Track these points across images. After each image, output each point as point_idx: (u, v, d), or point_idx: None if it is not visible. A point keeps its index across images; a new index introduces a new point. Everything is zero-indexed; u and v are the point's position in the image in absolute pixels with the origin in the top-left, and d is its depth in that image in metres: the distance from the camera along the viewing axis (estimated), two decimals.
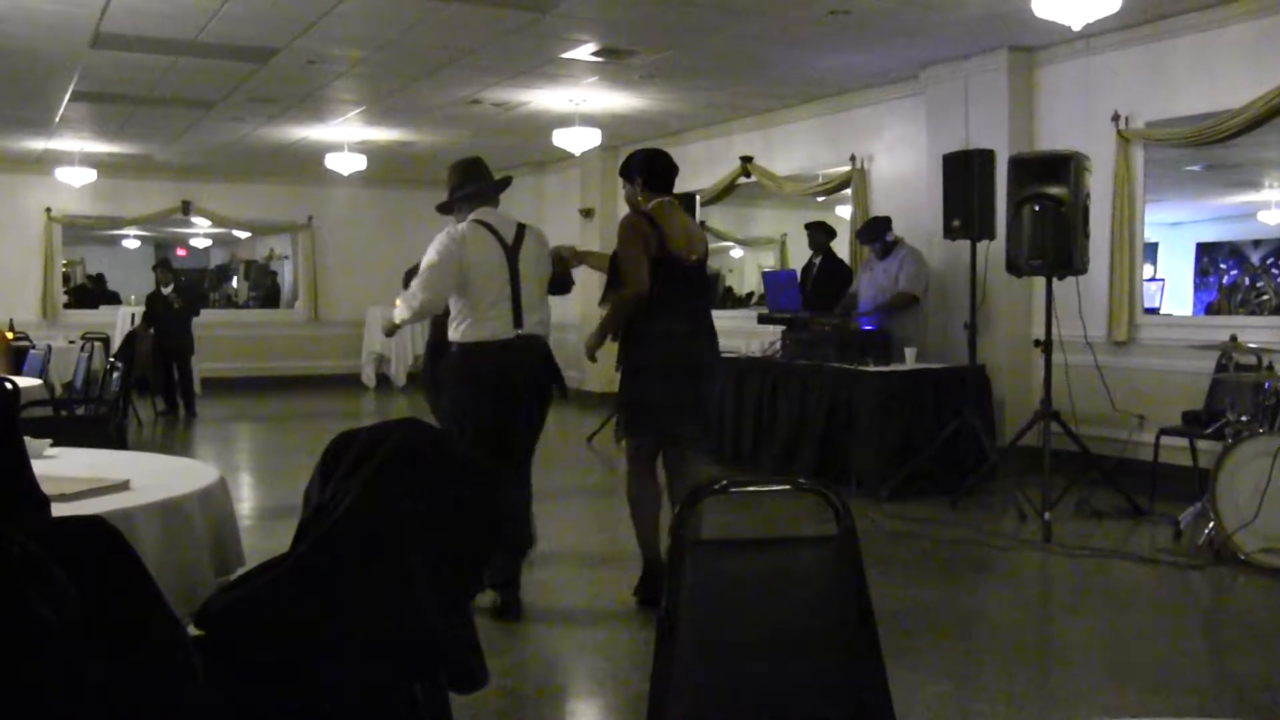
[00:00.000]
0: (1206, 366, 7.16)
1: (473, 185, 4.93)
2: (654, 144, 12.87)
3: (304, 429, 10.92)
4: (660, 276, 4.82)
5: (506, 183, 5.14)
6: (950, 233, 7.66)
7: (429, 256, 4.81)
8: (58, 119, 11.55)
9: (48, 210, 15.32)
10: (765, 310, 9.62)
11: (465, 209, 4.93)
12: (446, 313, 5.02)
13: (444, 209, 5.10)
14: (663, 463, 5.09)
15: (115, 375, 7.17)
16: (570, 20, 7.82)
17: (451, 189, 4.98)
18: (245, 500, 7.82)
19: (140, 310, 13.68)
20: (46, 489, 2.96)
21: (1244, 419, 6.05)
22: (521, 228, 4.93)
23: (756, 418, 8.54)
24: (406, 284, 5.19)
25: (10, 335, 11.82)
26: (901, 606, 5.12)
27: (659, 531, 4.92)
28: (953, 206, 7.63)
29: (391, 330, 5.23)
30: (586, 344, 5.17)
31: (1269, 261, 17.25)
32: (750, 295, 16.45)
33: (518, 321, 4.81)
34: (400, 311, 4.96)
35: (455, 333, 4.87)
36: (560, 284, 5.20)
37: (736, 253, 18.32)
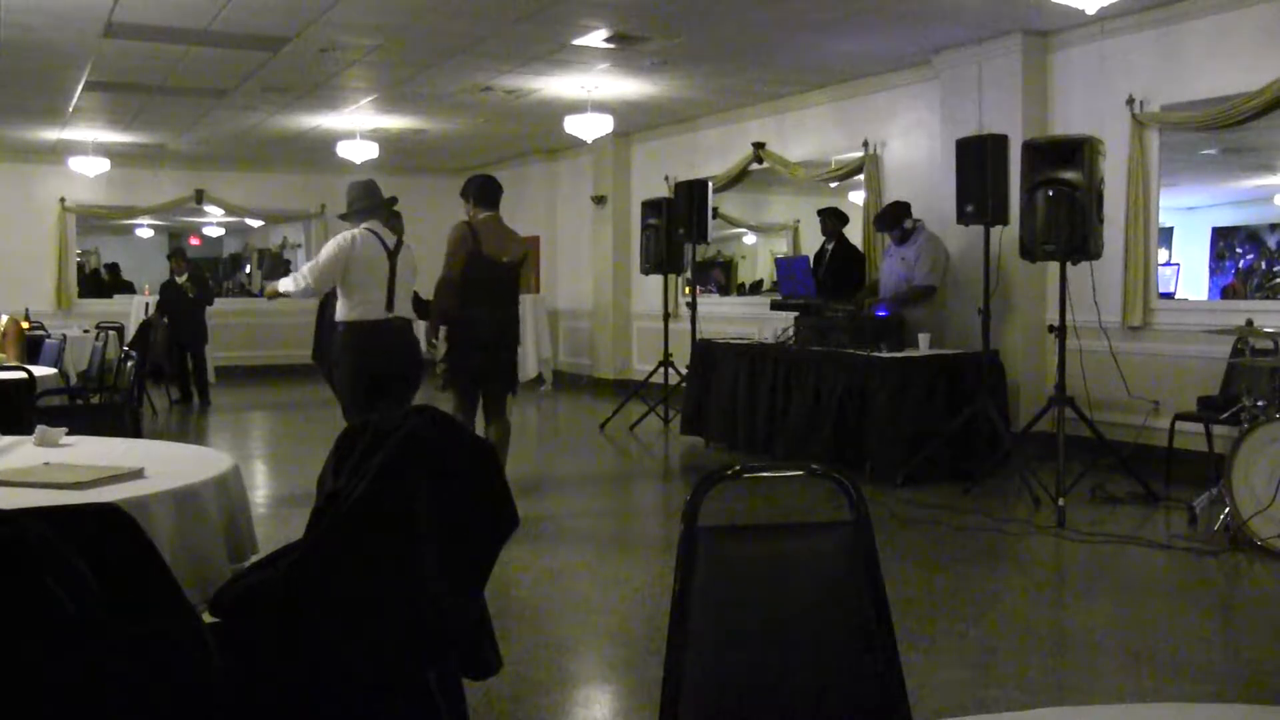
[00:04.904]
0: (1222, 351, 7.12)
1: (367, 202, 6.27)
2: (666, 130, 12.92)
3: (317, 417, 10.93)
4: (474, 272, 6.40)
5: (393, 201, 6.50)
6: (964, 218, 7.62)
7: (325, 252, 6.12)
8: (71, 109, 11.58)
9: (62, 200, 15.39)
10: (778, 296, 9.59)
11: (359, 219, 6.24)
12: (331, 299, 6.46)
13: (344, 218, 6.34)
14: (482, 409, 6.67)
15: (130, 364, 7.19)
16: (582, 6, 7.80)
17: (350, 202, 6.28)
18: (259, 488, 7.85)
19: (154, 299, 13.71)
20: (62, 477, 2.99)
21: (1260, 404, 6.01)
22: (399, 242, 6.24)
23: (770, 404, 8.51)
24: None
25: (26, 324, 11.87)
26: (915, 592, 5.13)
27: None
28: (966, 192, 7.59)
29: (274, 296, 6.45)
30: (427, 331, 6.61)
31: None
32: (759, 282, 16.36)
33: (390, 307, 6.13)
34: (287, 285, 6.28)
35: (342, 314, 6.16)
36: (422, 307, 6.70)
37: (749, 239, 18.25)
